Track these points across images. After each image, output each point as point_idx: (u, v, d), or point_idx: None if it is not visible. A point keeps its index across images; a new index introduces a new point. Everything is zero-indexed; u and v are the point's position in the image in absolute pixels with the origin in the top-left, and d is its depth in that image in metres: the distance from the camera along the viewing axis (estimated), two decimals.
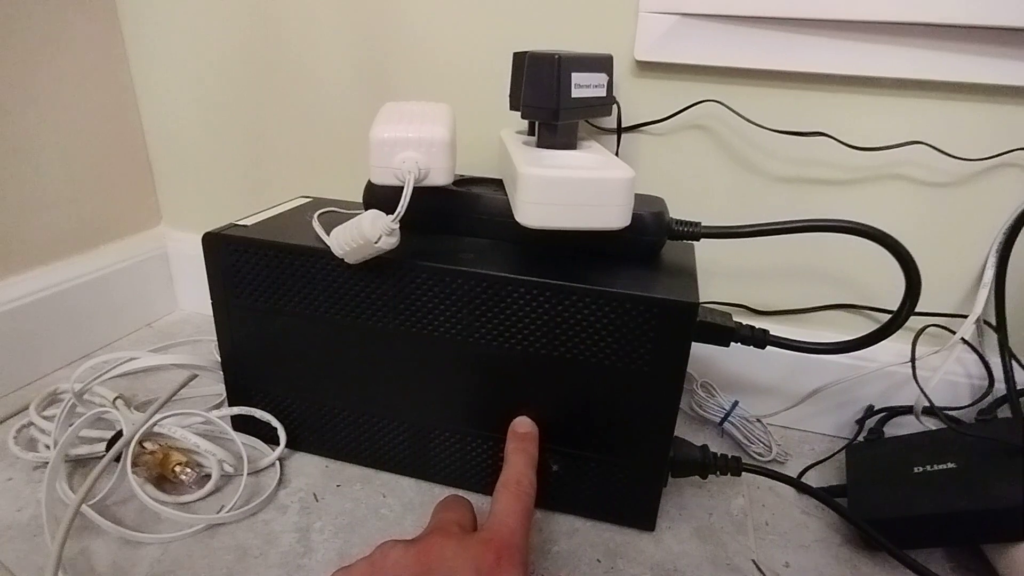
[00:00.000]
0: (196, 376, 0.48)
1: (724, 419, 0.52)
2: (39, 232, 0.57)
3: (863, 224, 0.37)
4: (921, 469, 0.40)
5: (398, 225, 0.35)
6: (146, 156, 0.66)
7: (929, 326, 0.47)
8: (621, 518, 0.42)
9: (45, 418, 0.47)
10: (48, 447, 0.44)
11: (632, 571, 0.39)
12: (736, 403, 0.52)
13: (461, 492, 0.44)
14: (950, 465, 0.40)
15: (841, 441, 0.53)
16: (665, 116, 0.49)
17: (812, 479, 0.48)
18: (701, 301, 0.37)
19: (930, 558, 0.41)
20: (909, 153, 0.45)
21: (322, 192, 0.53)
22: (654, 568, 0.39)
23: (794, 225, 0.39)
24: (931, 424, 0.48)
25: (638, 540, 0.41)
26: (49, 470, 0.40)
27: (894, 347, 0.47)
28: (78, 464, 0.45)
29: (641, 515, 0.42)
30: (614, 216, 0.35)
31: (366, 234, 0.34)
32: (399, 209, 0.35)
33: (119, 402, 0.48)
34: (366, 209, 0.37)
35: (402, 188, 0.35)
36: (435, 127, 0.37)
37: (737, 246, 0.52)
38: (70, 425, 0.44)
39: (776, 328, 0.42)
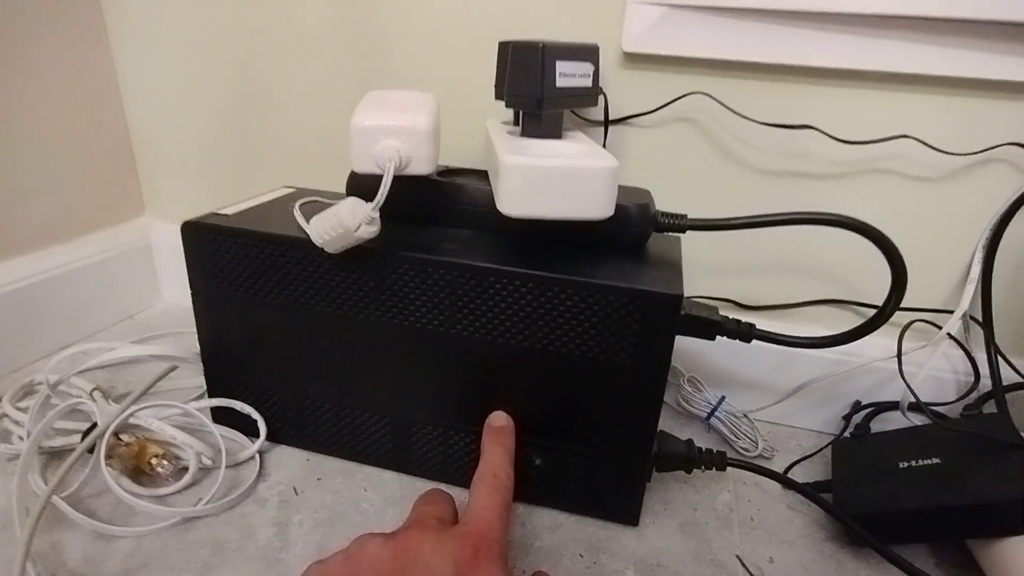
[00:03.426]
0: (176, 367, 0.47)
1: (711, 414, 0.52)
2: (18, 222, 0.56)
3: (849, 217, 0.36)
4: (906, 464, 0.40)
5: (378, 213, 0.35)
6: (129, 145, 0.65)
7: (915, 321, 0.47)
8: (604, 513, 0.42)
9: (19, 409, 0.46)
10: (22, 438, 0.43)
11: (615, 566, 0.39)
12: (723, 398, 0.52)
13: (443, 486, 0.44)
14: (935, 460, 0.39)
15: (828, 437, 0.53)
16: (653, 108, 0.48)
17: (798, 474, 0.48)
18: (687, 295, 0.36)
19: (914, 553, 0.40)
20: (896, 147, 0.45)
21: (309, 183, 0.52)
22: (637, 563, 0.39)
23: (780, 218, 0.38)
24: (917, 420, 0.47)
25: (621, 535, 0.41)
26: (21, 461, 0.39)
27: (881, 342, 0.46)
28: (53, 456, 0.44)
29: (625, 510, 0.42)
30: (597, 206, 0.34)
31: (345, 222, 0.34)
32: (379, 197, 0.34)
33: (96, 393, 0.47)
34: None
35: (383, 177, 0.35)
36: (418, 115, 0.36)
37: (724, 240, 0.51)
38: (44, 417, 0.43)
39: (763, 323, 0.42)
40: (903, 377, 0.43)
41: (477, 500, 0.32)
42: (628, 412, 0.38)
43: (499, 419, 0.39)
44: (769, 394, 0.53)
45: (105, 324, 0.64)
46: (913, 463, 0.40)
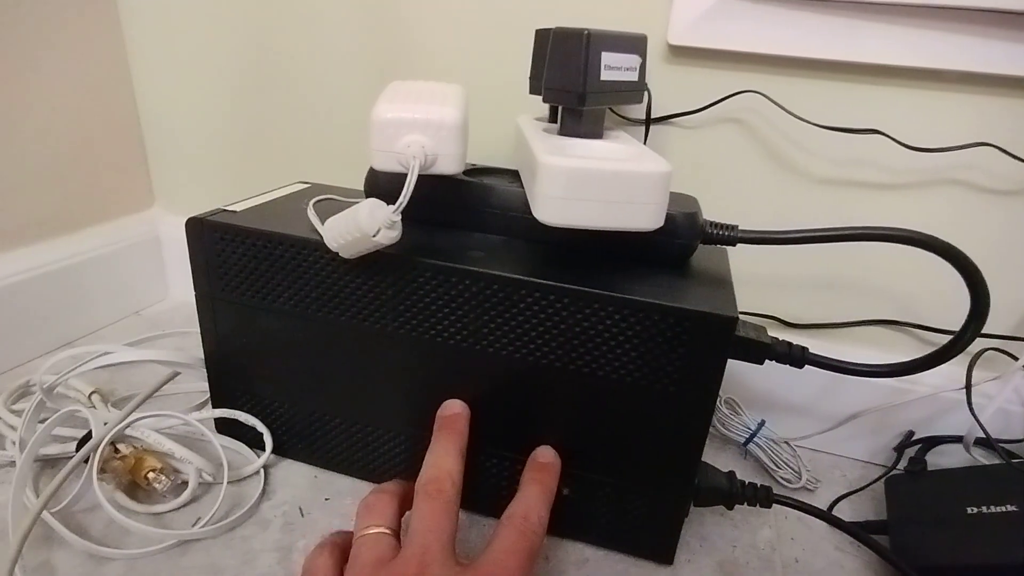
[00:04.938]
0: (178, 374, 0.44)
1: (749, 440, 0.48)
2: (21, 211, 0.53)
3: (927, 235, 0.32)
4: (976, 510, 0.36)
5: (400, 217, 0.31)
6: (139, 133, 0.62)
7: (988, 350, 0.43)
8: (637, 549, 0.38)
9: (13, 412, 0.43)
10: (15, 443, 0.41)
11: None
12: (762, 423, 0.48)
13: (461, 513, 0.40)
14: (1010, 508, 0.35)
15: (875, 468, 0.49)
16: (699, 107, 0.44)
17: (844, 510, 0.44)
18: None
19: None
20: (973, 156, 0.40)
21: (327, 178, 0.49)
22: None
23: (846, 232, 0.34)
24: (981, 457, 0.43)
25: (654, 574, 0.38)
26: (16, 475, 0.36)
27: (942, 369, 0.42)
28: (47, 464, 0.41)
29: (659, 546, 0.38)
30: (647, 216, 0.30)
31: (363, 226, 0.30)
32: (401, 199, 0.30)
33: (95, 397, 0.45)
34: (367, 198, 0.33)
35: (406, 175, 0.31)
36: (446, 108, 0.33)
37: (770, 252, 0.47)
38: (40, 422, 0.40)
39: (807, 343, 0.38)
40: (972, 411, 0.39)
41: (499, 542, 0.29)
42: (669, 442, 0.35)
43: (545, 455, 0.35)
44: (814, 421, 0.49)
45: (109, 320, 0.61)
46: (983, 509, 0.36)
